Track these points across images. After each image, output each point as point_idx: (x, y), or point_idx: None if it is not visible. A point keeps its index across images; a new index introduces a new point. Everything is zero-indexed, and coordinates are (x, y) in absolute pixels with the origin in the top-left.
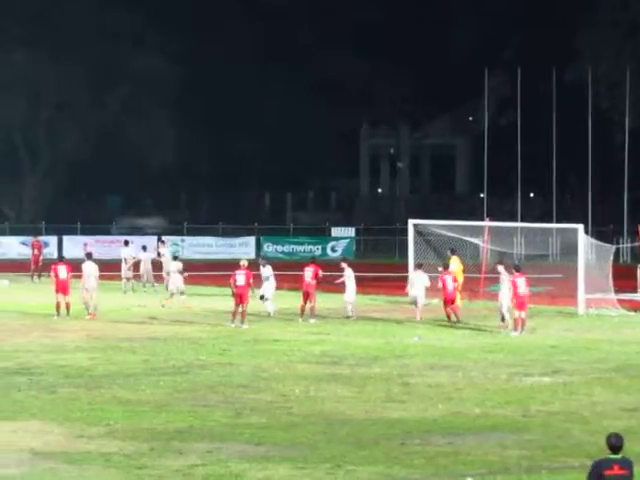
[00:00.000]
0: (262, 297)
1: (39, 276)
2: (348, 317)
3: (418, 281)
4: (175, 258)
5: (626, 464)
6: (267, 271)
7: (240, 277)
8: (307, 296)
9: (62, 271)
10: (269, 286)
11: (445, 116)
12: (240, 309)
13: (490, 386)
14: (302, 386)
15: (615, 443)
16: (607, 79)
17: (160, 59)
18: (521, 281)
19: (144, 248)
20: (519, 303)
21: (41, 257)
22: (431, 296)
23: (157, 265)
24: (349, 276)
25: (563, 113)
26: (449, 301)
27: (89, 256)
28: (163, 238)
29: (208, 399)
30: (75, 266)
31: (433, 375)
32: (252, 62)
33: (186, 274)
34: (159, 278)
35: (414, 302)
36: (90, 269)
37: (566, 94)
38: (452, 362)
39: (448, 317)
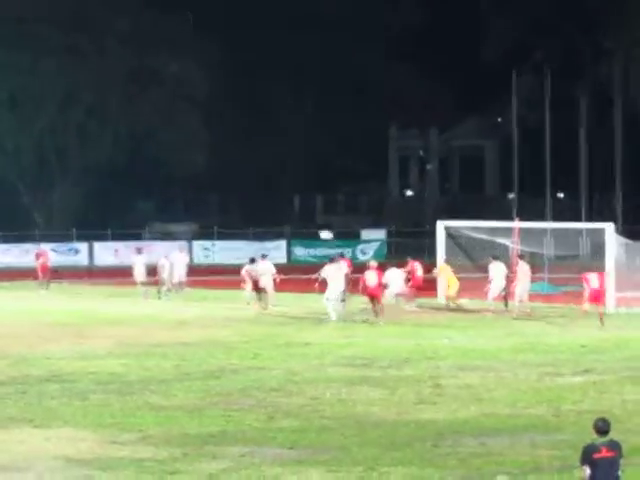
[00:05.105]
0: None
1: (47, 286)
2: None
3: (498, 272)
4: (264, 256)
5: (613, 446)
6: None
7: (371, 276)
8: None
9: None
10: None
11: (474, 117)
12: (376, 307)
13: (521, 386)
14: (334, 389)
15: (602, 427)
16: (637, 79)
17: (192, 62)
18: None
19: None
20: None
21: (49, 265)
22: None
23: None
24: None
25: (593, 114)
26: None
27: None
28: (179, 243)
29: (241, 403)
30: (104, 273)
31: (464, 376)
32: (283, 65)
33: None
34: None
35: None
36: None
37: (596, 94)
38: (483, 363)
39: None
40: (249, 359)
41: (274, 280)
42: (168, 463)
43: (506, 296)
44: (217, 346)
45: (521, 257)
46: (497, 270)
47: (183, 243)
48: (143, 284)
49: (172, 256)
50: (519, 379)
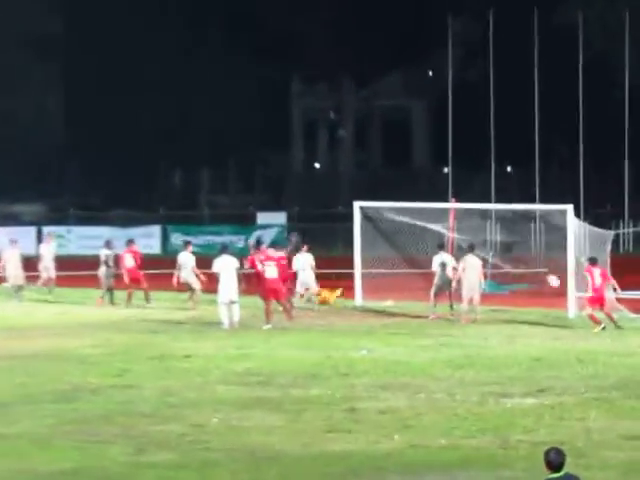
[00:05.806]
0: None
1: None
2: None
3: (472, 269)
4: (187, 244)
5: None
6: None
7: (270, 268)
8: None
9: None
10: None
11: (399, 71)
12: (274, 307)
13: (459, 410)
14: (222, 414)
15: (555, 459)
16: (601, 24)
17: (46, 20)
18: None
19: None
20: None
21: None
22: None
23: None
24: None
25: (547, 66)
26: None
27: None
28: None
29: (102, 432)
30: None
31: (387, 398)
32: (153, 8)
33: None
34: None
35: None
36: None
37: (551, 43)
38: (411, 381)
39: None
40: (113, 376)
41: (197, 276)
42: None
43: (450, 296)
44: (72, 360)
45: (470, 248)
46: (436, 263)
47: (32, 229)
48: None
49: (41, 247)
50: (456, 401)
